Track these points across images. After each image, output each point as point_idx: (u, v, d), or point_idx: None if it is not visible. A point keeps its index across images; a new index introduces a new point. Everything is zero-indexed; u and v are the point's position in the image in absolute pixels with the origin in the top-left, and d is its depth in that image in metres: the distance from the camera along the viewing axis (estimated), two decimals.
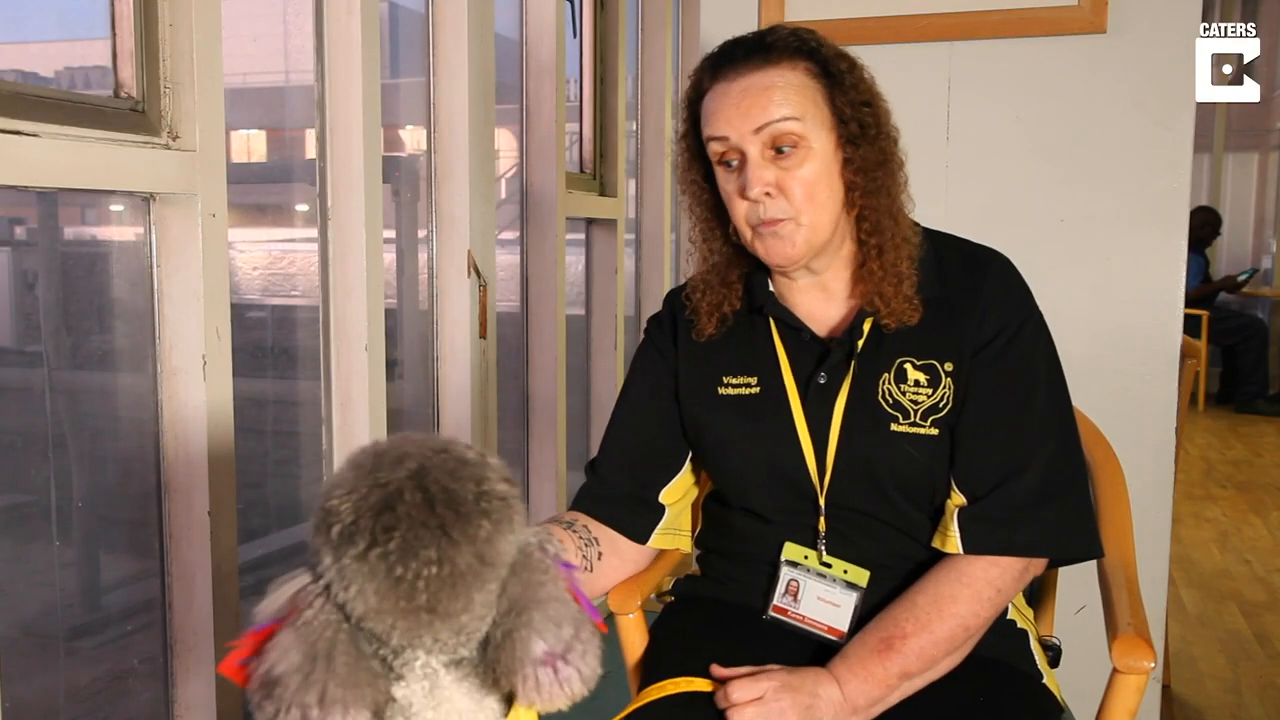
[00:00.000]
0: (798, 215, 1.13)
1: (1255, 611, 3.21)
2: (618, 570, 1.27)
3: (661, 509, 1.26)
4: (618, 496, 1.26)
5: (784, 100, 1.11)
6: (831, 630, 1.17)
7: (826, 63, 1.14)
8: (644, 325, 1.34)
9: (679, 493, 1.28)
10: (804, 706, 1.06)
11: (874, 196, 1.15)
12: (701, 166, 1.21)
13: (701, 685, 1.12)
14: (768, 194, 1.12)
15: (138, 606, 1.78)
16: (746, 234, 1.16)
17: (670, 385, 1.27)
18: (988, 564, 1.12)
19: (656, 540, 1.27)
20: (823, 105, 1.13)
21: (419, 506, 0.73)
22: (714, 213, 1.22)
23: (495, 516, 0.75)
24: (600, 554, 1.24)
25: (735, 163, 1.14)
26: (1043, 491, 1.13)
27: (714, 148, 1.15)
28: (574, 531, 1.22)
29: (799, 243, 1.14)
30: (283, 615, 0.77)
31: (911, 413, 1.15)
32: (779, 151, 1.12)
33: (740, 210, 1.15)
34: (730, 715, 1.06)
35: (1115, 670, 1.11)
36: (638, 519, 1.26)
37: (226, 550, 1.64)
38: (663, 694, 1.12)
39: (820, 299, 1.22)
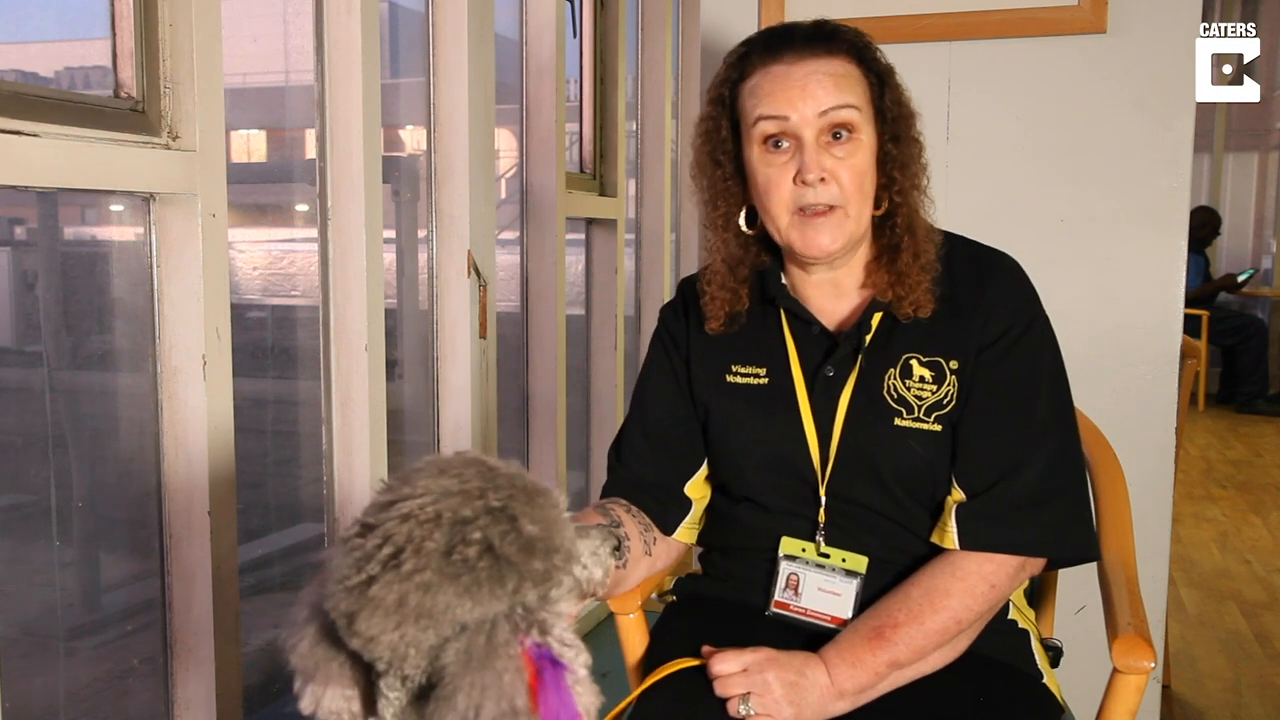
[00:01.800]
0: (846, 205, 1.14)
1: (1255, 611, 3.21)
2: (666, 557, 1.29)
3: (689, 502, 1.28)
4: (647, 486, 1.27)
5: (846, 87, 1.13)
6: (834, 619, 1.18)
7: (876, 62, 1.17)
8: (646, 321, 1.35)
9: (701, 488, 1.29)
10: (788, 682, 1.07)
11: (908, 194, 1.17)
12: (730, 149, 1.21)
13: (701, 662, 1.14)
14: (821, 179, 1.12)
15: (138, 606, 1.78)
16: (783, 221, 1.16)
17: (686, 375, 1.28)
18: (983, 559, 1.13)
19: (681, 534, 1.28)
20: (871, 102, 1.16)
21: (403, 523, 0.72)
22: (737, 201, 1.22)
23: (457, 571, 0.71)
24: (655, 539, 1.25)
25: (786, 145, 1.14)
26: (1040, 491, 1.13)
27: (765, 127, 1.14)
28: (633, 515, 1.24)
29: (841, 236, 1.15)
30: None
31: (916, 408, 1.15)
32: (834, 138, 1.13)
33: (784, 194, 1.15)
34: (717, 685, 1.09)
35: (1115, 670, 1.11)
36: (667, 511, 1.27)
37: (226, 550, 1.64)
38: (666, 673, 1.14)
39: (831, 294, 1.23)
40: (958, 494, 1.15)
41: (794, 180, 1.13)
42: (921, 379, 1.16)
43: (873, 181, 1.16)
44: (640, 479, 1.27)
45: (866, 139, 1.14)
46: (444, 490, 0.74)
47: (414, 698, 0.73)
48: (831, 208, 1.13)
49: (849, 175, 1.13)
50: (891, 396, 1.17)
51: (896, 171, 1.16)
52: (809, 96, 1.12)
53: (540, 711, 0.70)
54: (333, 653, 0.77)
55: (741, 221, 1.22)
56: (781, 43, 1.15)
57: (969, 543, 1.13)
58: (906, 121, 1.18)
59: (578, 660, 0.75)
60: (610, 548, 0.87)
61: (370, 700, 0.76)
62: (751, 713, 1.06)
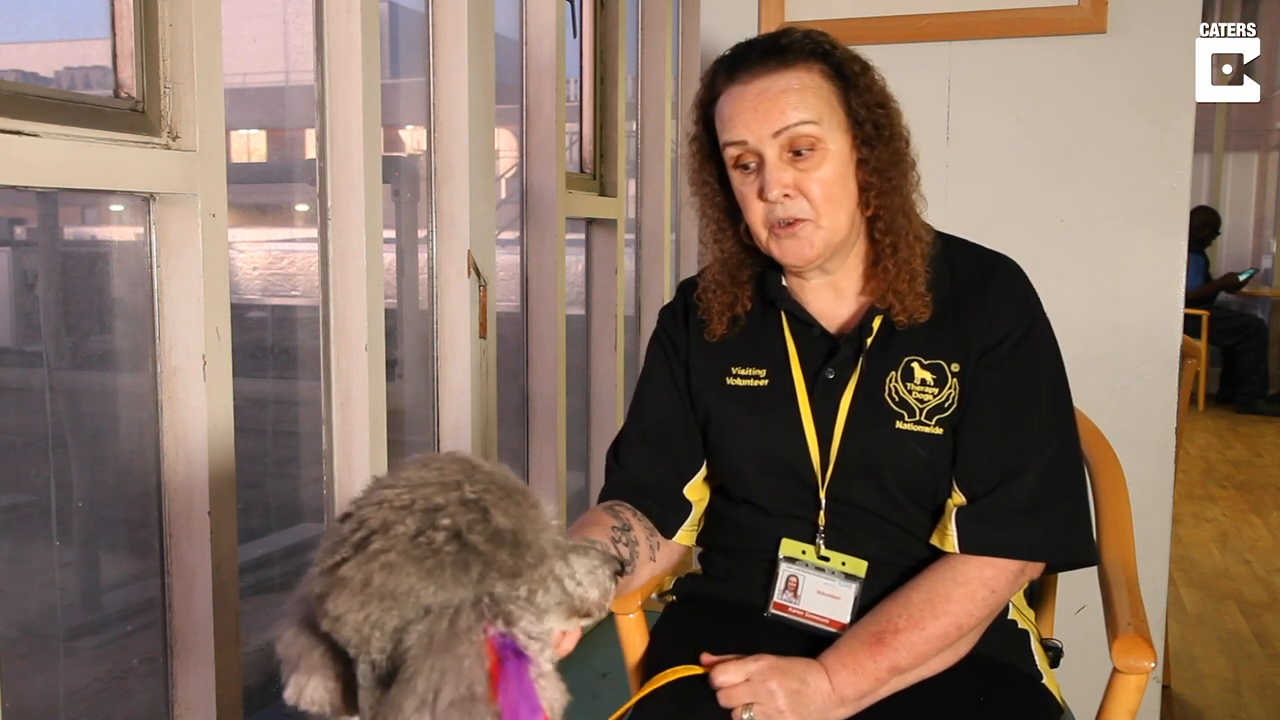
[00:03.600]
0: (817, 217, 1.13)
1: (1255, 611, 3.21)
2: (667, 560, 1.29)
3: (688, 505, 1.28)
4: (647, 489, 1.27)
5: (801, 103, 1.12)
6: (833, 623, 1.18)
7: (841, 65, 1.15)
8: (646, 321, 1.35)
9: (700, 490, 1.29)
10: (791, 690, 1.07)
11: (888, 196, 1.16)
12: (714, 168, 1.21)
13: (701, 671, 1.13)
14: (787, 195, 1.13)
15: (138, 606, 1.78)
16: (763, 235, 1.17)
17: (685, 378, 1.28)
18: (983, 564, 1.12)
19: (681, 536, 1.28)
20: (838, 107, 1.14)
21: (377, 509, 0.74)
22: (726, 213, 1.23)
23: (422, 554, 0.72)
24: (659, 544, 1.26)
25: (752, 165, 1.14)
26: (1041, 495, 1.13)
27: (730, 151, 1.15)
28: (639, 520, 1.24)
29: (817, 244, 1.15)
30: None
31: (917, 411, 1.15)
32: (797, 154, 1.12)
33: (758, 211, 1.15)
34: (721, 696, 1.09)
35: (1115, 670, 1.11)
36: (667, 514, 1.27)
37: (226, 550, 1.64)
38: (665, 681, 1.13)
39: (831, 297, 1.23)
40: (958, 497, 1.15)
41: (759, 197, 1.14)
42: (923, 382, 1.16)
43: (848, 188, 1.15)
44: (639, 481, 1.27)
45: (835, 147, 1.13)
46: (423, 480, 0.76)
47: (381, 683, 0.73)
48: (801, 220, 1.14)
49: (817, 187, 1.13)
50: (893, 399, 1.16)
51: (873, 176, 1.15)
52: (762, 118, 1.12)
53: (500, 701, 0.69)
54: (314, 641, 0.78)
55: (742, 232, 1.22)
56: (740, 63, 1.15)
57: (969, 546, 1.13)
58: (880, 122, 1.16)
59: (543, 654, 0.75)
60: (611, 571, 0.86)
61: (352, 691, 0.76)
62: None
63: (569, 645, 0.89)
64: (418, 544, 0.72)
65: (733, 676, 1.09)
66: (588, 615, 0.85)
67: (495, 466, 0.80)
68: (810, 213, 1.13)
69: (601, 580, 0.84)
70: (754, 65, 1.13)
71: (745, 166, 1.15)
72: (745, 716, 1.07)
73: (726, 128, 1.15)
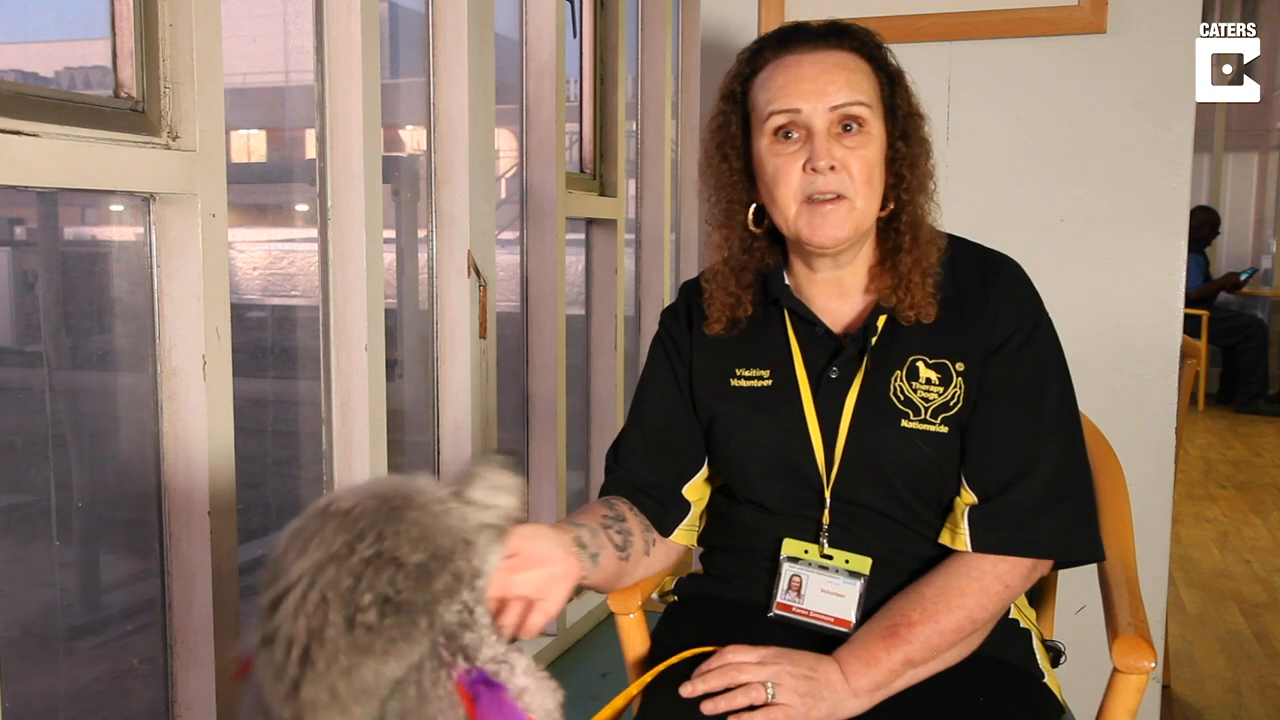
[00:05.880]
0: (855, 196, 1.14)
1: (1255, 611, 3.21)
2: (665, 558, 1.29)
3: (687, 505, 1.28)
4: (645, 488, 1.27)
5: (855, 83, 1.14)
6: (838, 621, 1.18)
7: (886, 62, 1.19)
8: (646, 321, 1.36)
9: (700, 490, 1.29)
10: (801, 676, 1.07)
11: (915, 193, 1.18)
12: (739, 144, 1.21)
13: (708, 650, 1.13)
14: (832, 168, 1.13)
15: (138, 606, 1.78)
16: (791, 210, 1.16)
17: (687, 379, 1.28)
18: (996, 560, 1.13)
19: (679, 536, 1.28)
20: (881, 100, 1.17)
21: (296, 620, 0.71)
22: (739, 196, 1.23)
23: (369, 642, 0.70)
24: (655, 540, 1.26)
25: (796, 135, 1.15)
26: (1051, 494, 1.14)
27: (776, 120, 1.15)
28: (635, 513, 1.24)
29: (848, 225, 1.15)
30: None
31: (922, 410, 1.16)
32: (845, 129, 1.14)
33: (793, 182, 1.15)
34: (730, 672, 1.08)
35: (1115, 670, 1.11)
36: (665, 512, 1.27)
37: (226, 550, 1.64)
38: (675, 661, 1.13)
39: (835, 295, 1.23)
40: (968, 496, 1.15)
41: (803, 169, 1.14)
42: (929, 381, 1.16)
43: (881, 176, 1.17)
44: (638, 481, 1.27)
45: (876, 133, 1.16)
46: (316, 565, 0.73)
47: None
48: (840, 196, 1.14)
49: (859, 165, 1.14)
50: (898, 398, 1.16)
51: (905, 169, 1.17)
52: (819, 91, 1.13)
53: None
54: None
55: (750, 219, 1.22)
56: (794, 36, 1.18)
57: (982, 545, 1.13)
58: (916, 122, 1.19)
59: (515, 673, 0.74)
60: (499, 464, 0.84)
61: None
62: (772, 698, 1.06)
63: (551, 613, 0.91)
64: (357, 636, 0.70)
65: (746, 655, 1.08)
66: (517, 523, 0.84)
67: (360, 490, 0.77)
68: (850, 189, 1.14)
69: (504, 482, 0.82)
70: (811, 39, 1.16)
71: (789, 135, 1.15)
72: (769, 691, 1.06)
73: (776, 97, 1.15)
